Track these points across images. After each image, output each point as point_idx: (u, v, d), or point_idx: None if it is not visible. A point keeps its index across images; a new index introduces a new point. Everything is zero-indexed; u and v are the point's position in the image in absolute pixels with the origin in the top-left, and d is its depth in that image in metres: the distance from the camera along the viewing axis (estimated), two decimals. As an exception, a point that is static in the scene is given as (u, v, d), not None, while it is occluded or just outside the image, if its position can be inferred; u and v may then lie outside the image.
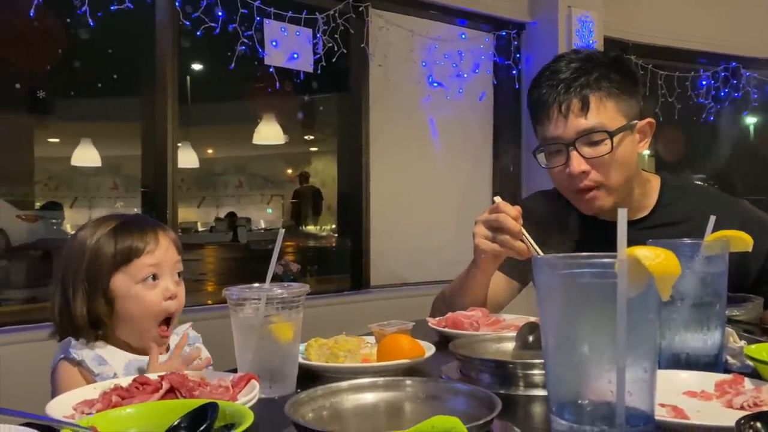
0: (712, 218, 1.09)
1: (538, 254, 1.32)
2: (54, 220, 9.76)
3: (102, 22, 3.15)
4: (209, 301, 3.69)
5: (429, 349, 1.18)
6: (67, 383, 1.20)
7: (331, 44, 3.67)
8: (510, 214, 1.42)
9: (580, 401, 0.65)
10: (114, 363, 1.24)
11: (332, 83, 4.51)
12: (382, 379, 0.86)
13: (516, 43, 4.26)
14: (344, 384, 0.84)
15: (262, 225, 13.08)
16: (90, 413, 0.82)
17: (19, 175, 10.68)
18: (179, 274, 1.35)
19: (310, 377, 1.08)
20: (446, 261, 3.71)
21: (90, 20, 3.07)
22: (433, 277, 3.81)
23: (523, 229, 1.41)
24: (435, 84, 4.05)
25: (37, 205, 10.51)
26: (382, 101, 3.89)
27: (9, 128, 10.08)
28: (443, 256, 3.84)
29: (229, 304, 1.06)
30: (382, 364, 1.11)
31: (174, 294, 1.31)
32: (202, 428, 0.71)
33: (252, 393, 0.88)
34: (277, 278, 3.63)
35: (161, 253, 1.30)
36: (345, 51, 3.71)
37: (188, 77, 7.69)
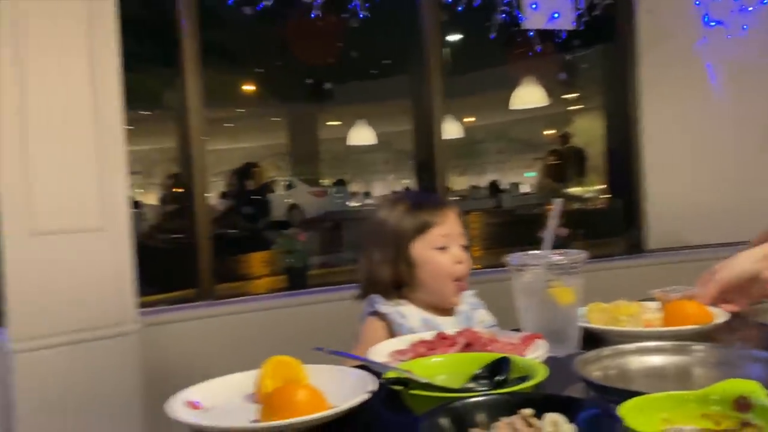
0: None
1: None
2: (339, 195, 10.94)
3: (370, 12, 3.46)
4: (477, 266, 3.86)
5: (720, 316, 1.14)
6: (372, 333, 1.43)
7: (593, -4, 3.53)
8: None
9: None
10: (411, 318, 1.44)
11: (595, 37, 4.33)
12: (669, 343, 0.87)
13: (817, -38, 3.63)
14: (632, 346, 0.87)
15: (525, 189, 13.06)
16: (403, 359, 0.97)
17: (308, 157, 12.15)
18: (463, 246, 1.53)
19: (592, 340, 1.12)
20: (733, 221, 3.37)
21: (360, 12, 3.39)
22: (718, 239, 3.48)
23: None
24: (712, 23, 3.64)
25: (324, 182, 11.86)
26: (652, 49, 3.63)
27: (298, 117, 11.50)
28: (729, 216, 3.49)
29: (510, 269, 1.14)
30: (667, 329, 1.10)
31: (462, 259, 1.49)
32: (500, 377, 0.80)
33: (539, 351, 0.96)
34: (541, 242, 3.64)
35: (450, 225, 1.50)
36: (612, 0, 3.55)
37: (448, 50, 7.94)
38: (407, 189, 7.49)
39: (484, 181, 13.49)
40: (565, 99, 11.49)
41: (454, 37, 7.84)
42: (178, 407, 0.84)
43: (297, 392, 0.83)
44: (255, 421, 0.83)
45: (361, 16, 3.44)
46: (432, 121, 3.57)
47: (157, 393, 2.53)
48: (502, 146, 14.40)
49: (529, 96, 7.79)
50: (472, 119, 12.96)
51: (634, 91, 3.64)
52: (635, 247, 3.65)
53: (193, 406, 0.86)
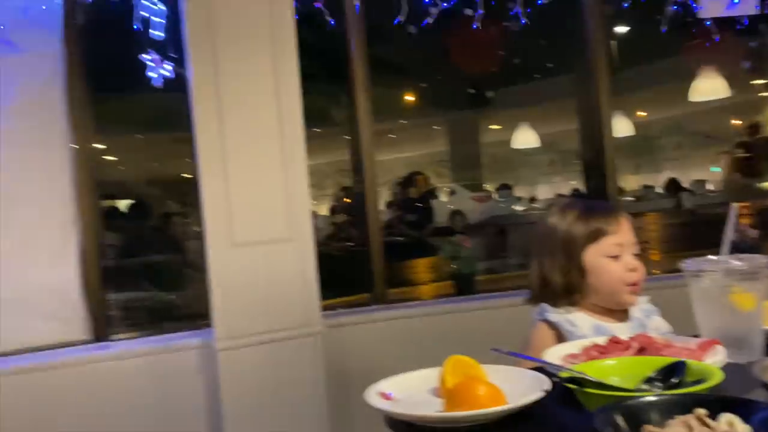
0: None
1: None
2: (503, 199, 10.88)
3: (531, 17, 3.46)
4: (655, 271, 3.68)
5: None
6: (541, 340, 1.47)
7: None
8: None
9: None
10: (582, 325, 1.46)
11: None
12: None
13: None
14: (818, 352, 0.84)
15: (708, 187, 12.05)
16: (576, 362, 1.01)
17: (470, 162, 12.21)
18: (635, 255, 1.52)
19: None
20: None
21: (522, 19, 3.41)
22: None
23: None
24: None
25: (487, 187, 11.84)
26: None
27: (459, 123, 11.62)
28: None
29: (687, 275, 1.13)
30: None
31: (635, 266, 1.48)
32: (674, 380, 0.82)
33: (718, 356, 0.96)
34: (732, 246, 3.39)
35: (623, 234, 1.50)
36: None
37: (615, 44, 7.62)
38: (576, 195, 7.28)
39: (660, 179, 12.67)
40: (753, 85, 10.50)
41: (622, 29, 7.52)
42: (373, 397, 0.96)
43: (478, 387, 0.91)
44: (440, 411, 0.93)
45: (523, 22, 3.46)
46: (599, 119, 3.47)
47: (339, 387, 2.75)
48: (680, 141, 13.44)
49: (709, 87, 7.25)
50: (644, 114, 12.25)
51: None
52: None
53: (386, 397, 0.97)
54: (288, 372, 2.56)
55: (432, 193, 10.45)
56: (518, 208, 10.77)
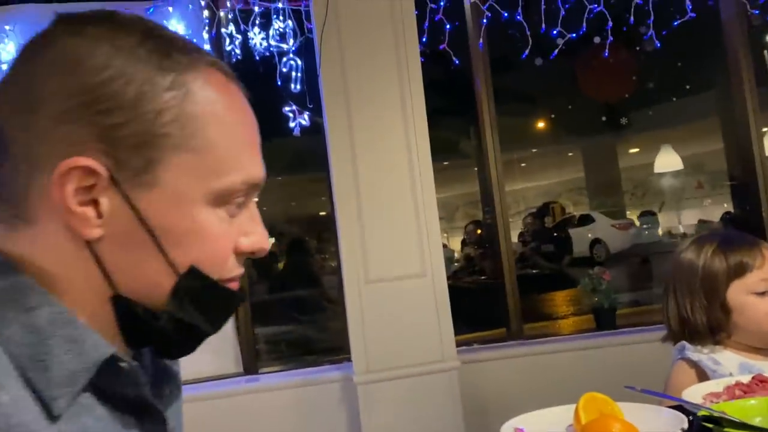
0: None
1: None
2: (646, 226, 10.32)
3: (666, 39, 3.35)
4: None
5: None
6: (681, 379, 1.39)
7: None
8: None
9: None
10: (727, 363, 1.37)
11: None
12: None
13: None
14: None
15: None
16: (717, 401, 0.97)
17: (609, 188, 11.74)
18: None
19: None
20: None
21: (656, 42, 3.30)
22: None
23: None
24: None
25: (629, 214, 11.30)
26: None
27: (594, 150, 11.25)
28: None
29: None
30: None
31: None
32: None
33: None
34: None
35: None
36: None
37: (766, 54, 7.12)
38: (726, 219, 6.79)
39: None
40: None
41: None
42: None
43: (613, 425, 0.90)
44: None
45: (658, 45, 3.35)
46: (749, 136, 3.26)
47: (476, 423, 2.74)
48: None
49: None
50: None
51: None
52: None
53: (519, 432, 0.99)
54: (425, 406, 2.60)
55: (570, 222, 10.14)
56: (662, 234, 10.19)
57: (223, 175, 0.60)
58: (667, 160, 9.41)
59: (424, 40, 3.22)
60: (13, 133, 0.57)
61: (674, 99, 8.82)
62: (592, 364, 2.79)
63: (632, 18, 3.27)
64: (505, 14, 3.26)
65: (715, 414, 0.85)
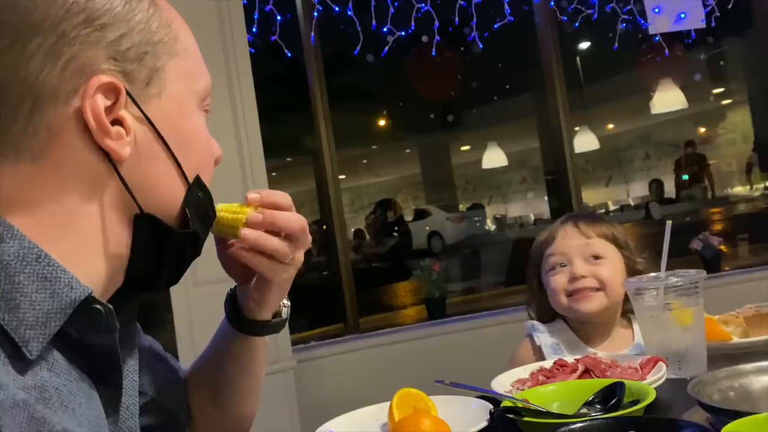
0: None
1: None
2: (476, 219, 10.91)
3: (488, 41, 3.53)
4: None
5: None
6: (521, 354, 1.41)
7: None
8: None
9: None
10: (552, 340, 1.39)
11: (732, 29, 4.09)
12: (793, 360, 0.84)
13: None
14: (749, 366, 0.85)
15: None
16: (523, 388, 1.01)
17: (443, 184, 12.28)
18: (595, 256, 1.36)
19: (728, 357, 1.07)
20: None
21: (479, 43, 3.47)
22: None
23: None
24: None
25: (461, 207, 11.89)
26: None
27: (430, 147, 11.71)
28: None
29: (630, 293, 1.15)
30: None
31: (579, 275, 1.33)
32: (611, 403, 0.83)
33: (659, 373, 0.96)
34: (696, 254, 3.43)
35: (563, 241, 1.38)
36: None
37: (578, 59, 7.79)
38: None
39: (631, 190, 12.82)
40: (715, 94, 10.78)
41: (585, 48, 7.70)
42: (320, 438, 0.94)
43: (422, 421, 0.90)
44: (386, 449, 0.91)
45: (481, 46, 3.52)
46: (560, 135, 3.53)
47: (314, 422, 2.69)
48: (648, 151, 13.63)
49: (668, 99, 7.41)
50: (611, 127, 12.45)
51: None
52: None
53: (333, 436, 0.96)
54: (260, 409, 2.52)
55: (407, 217, 10.47)
56: (490, 226, 10.84)
57: (200, 76, 0.64)
58: (494, 157, 10.02)
59: (254, 30, 3.12)
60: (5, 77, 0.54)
61: (496, 99, 9.40)
62: (426, 352, 2.87)
63: (457, 19, 3.41)
64: (337, 8, 3.25)
65: (518, 403, 0.88)
